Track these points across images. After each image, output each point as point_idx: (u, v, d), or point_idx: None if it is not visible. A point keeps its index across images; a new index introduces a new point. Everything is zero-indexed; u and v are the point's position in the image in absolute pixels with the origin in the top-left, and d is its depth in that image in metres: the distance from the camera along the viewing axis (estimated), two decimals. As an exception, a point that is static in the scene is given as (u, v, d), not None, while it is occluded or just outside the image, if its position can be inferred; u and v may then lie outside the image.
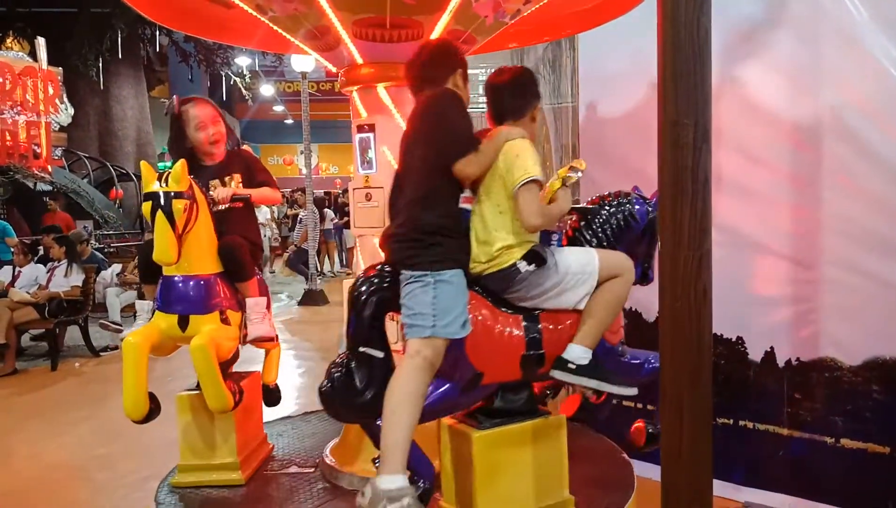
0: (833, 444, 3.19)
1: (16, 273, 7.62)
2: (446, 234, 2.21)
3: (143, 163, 2.86)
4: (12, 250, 8.39)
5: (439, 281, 2.14)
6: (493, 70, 2.59)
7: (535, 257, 2.26)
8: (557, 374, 2.34)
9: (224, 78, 20.43)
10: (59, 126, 12.64)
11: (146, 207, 2.65)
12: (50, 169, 12.46)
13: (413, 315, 2.13)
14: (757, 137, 3.33)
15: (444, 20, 2.65)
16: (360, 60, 2.80)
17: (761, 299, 3.37)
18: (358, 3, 2.57)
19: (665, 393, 2.28)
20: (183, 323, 2.78)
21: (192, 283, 2.80)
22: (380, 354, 2.20)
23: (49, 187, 13.19)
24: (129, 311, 7.96)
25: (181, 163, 2.69)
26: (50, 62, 12.17)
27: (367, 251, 2.93)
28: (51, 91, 12.09)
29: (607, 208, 2.61)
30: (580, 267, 2.33)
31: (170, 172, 2.67)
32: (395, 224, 2.31)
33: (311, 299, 10.43)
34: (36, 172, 12.26)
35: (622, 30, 3.26)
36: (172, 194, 2.64)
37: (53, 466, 4.41)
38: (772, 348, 3.36)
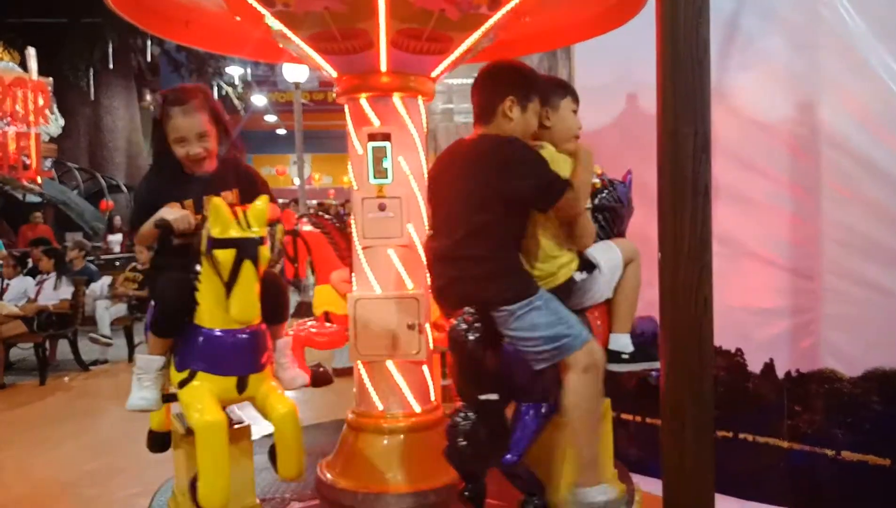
0: (833, 456, 3.16)
1: (4, 286, 7.54)
2: (521, 263, 2.30)
3: (215, 200, 2.19)
4: (0, 262, 8.31)
5: (545, 299, 2.21)
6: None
7: (588, 265, 2.38)
8: (615, 367, 2.41)
9: (216, 88, 20.40)
10: (49, 137, 12.56)
11: (226, 255, 2.14)
12: (40, 180, 12.37)
13: (551, 339, 2.16)
14: (754, 146, 3.32)
15: (381, 19, 2.51)
16: (384, 69, 2.76)
17: (760, 310, 3.35)
18: (409, 14, 2.51)
19: (666, 406, 2.25)
20: (241, 385, 2.34)
21: (247, 337, 2.32)
22: (495, 396, 2.20)
23: (38, 199, 13.11)
24: (118, 324, 7.88)
25: (265, 200, 2.26)
26: (40, 72, 12.11)
27: (377, 263, 2.85)
28: (41, 102, 12.02)
29: (604, 195, 2.64)
30: (613, 262, 2.45)
31: (248, 211, 2.21)
32: (458, 267, 2.25)
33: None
34: (25, 183, 12.18)
35: (619, 39, 3.25)
36: (258, 239, 2.20)
37: (43, 481, 4.34)
38: (771, 359, 3.33)
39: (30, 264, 8.32)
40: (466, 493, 2.33)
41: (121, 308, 7.89)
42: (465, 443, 2.12)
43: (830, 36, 3.10)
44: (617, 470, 2.77)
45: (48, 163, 13.15)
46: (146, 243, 2.49)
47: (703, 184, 2.15)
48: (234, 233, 2.15)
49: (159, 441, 2.78)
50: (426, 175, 2.81)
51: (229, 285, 2.16)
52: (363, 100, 2.83)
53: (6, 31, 15.13)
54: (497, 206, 2.20)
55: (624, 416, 3.75)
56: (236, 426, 2.46)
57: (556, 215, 2.26)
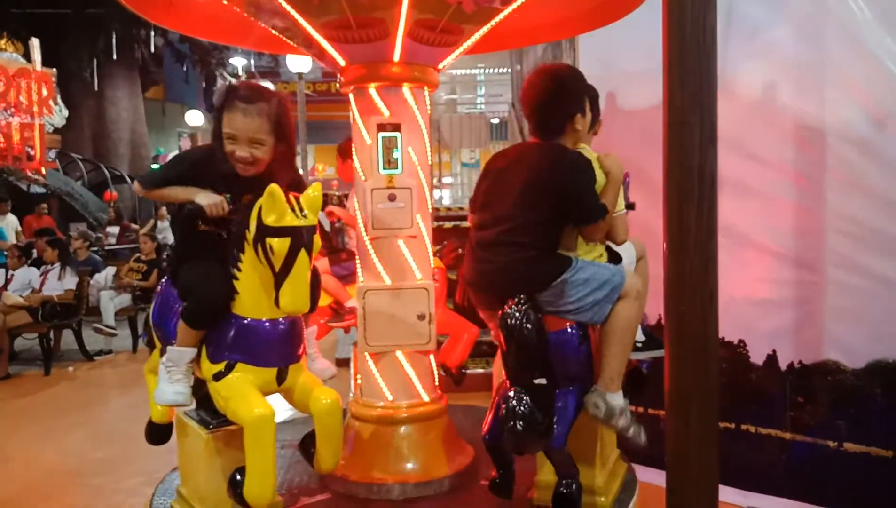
0: (836, 448, 3.17)
1: (8, 277, 7.56)
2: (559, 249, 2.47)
3: (272, 187, 2.08)
4: (5, 253, 8.32)
5: (581, 261, 2.40)
6: (490, 70, 2.60)
7: (614, 257, 2.60)
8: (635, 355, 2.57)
9: (220, 79, 20.36)
10: (52, 128, 12.56)
11: (281, 244, 2.06)
12: (44, 171, 12.39)
13: (602, 285, 2.35)
14: (759, 137, 3.31)
15: (403, 9, 2.49)
16: (396, 59, 2.74)
17: (763, 302, 3.35)
18: (428, 4, 2.50)
19: (671, 398, 2.25)
20: (281, 376, 2.27)
21: (287, 327, 2.26)
22: (544, 381, 2.26)
23: (43, 190, 13.12)
24: (122, 314, 7.90)
25: (318, 187, 2.18)
26: (44, 63, 12.10)
27: (384, 254, 2.84)
28: (45, 92, 12.00)
29: None
30: (630, 256, 2.74)
31: (301, 199, 2.13)
32: (506, 252, 2.37)
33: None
34: (30, 174, 12.19)
35: (624, 29, 3.23)
36: (312, 228, 2.13)
37: (48, 471, 4.36)
38: (774, 351, 3.33)
39: (34, 255, 8.32)
40: (498, 481, 2.43)
41: (125, 299, 7.90)
42: (522, 426, 2.18)
43: (837, 26, 3.09)
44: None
45: (52, 154, 13.16)
46: (158, 200, 2.46)
47: (710, 174, 2.14)
48: (290, 221, 2.07)
49: (161, 433, 2.74)
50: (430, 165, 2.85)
51: (282, 275, 2.08)
52: (372, 90, 2.81)
53: (10, 23, 15.13)
54: (547, 210, 2.36)
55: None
56: None
57: (582, 232, 2.46)
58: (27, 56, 12.11)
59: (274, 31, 2.85)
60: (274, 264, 2.08)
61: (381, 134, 2.77)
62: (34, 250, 8.58)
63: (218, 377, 2.22)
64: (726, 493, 3.21)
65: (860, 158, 3.07)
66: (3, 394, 6.28)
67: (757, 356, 3.37)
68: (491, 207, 2.47)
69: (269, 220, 2.07)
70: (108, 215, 14.15)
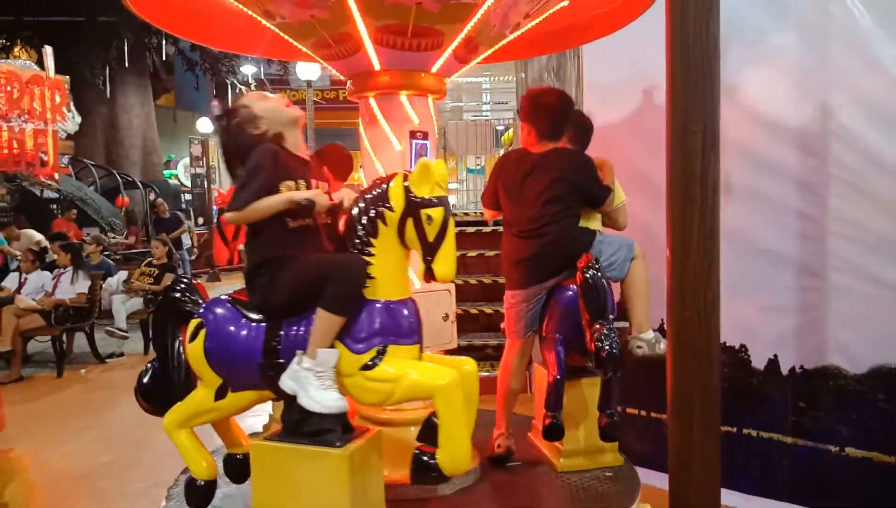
0: (838, 453, 3.18)
1: (22, 280, 7.64)
2: None
3: (423, 160, 2.14)
4: (17, 258, 8.40)
5: (604, 234, 2.98)
6: (495, 78, 2.67)
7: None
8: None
9: (230, 86, 20.50)
10: (65, 134, 12.67)
11: (438, 213, 2.10)
12: (57, 177, 12.50)
13: (621, 246, 2.87)
14: (763, 142, 3.34)
15: (357, 20, 2.55)
16: (377, 67, 2.79)
17: (765, 306, 3.37)
18: (382, 11, 2.55)
19: (674, 402, 2.28)
20: (420, 353, 2.27)
21: (415, 305, 2.27)
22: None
23: (56, 195, 13.23)
24: (134, 318, 7.97)
25: (442, 162, 2.22)
26: (57, 71, 12.22)
27: (413, 258, 2.90)
28: (58, 99, 12.12)
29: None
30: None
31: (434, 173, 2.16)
32: (545, 237, 2.86)
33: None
34: (43, 179, 12.30)
35: (627, 37, 3.27)
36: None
37: (58, 473, 4.40)
38: (776, 355, 3.35)
39: (48, 259, 8.40)
40: (555, 421, 2.77)
41: (137, 302, 7.97)
42: (618, 350, 2.57)
43: (840, 32, 3.12)
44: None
45: (65, 160, 13.25)
46: (254, 219, 2.22)
47: (712, 180, 2.18)
48: (440, 191, 2.13)
49: (208, 494, 2.41)
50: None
51: (436, 245, 2.11)
52: (402, 96, 2.86)
53: (23, 30, 15.29)
54: (572, 200, 2.90)
55: (630, 410, 3.78)
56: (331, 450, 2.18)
57: (602, 211, 3.07)
58: (40, 63, 12.23)
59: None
60: (428, 235, 2.12)
61: (414, 141, 2.83)
62: (48, 254, 8.66)
63: (370, 366, 2.15)
64: (729, 497, 3.24)
65: (863, 164, 3.09)
66: (16, 396, 6.33)
67: (759, 361, 3.39)
68: (525, 202, 2.91)
69: (424, 192, 2.12)
70: (119, 221, 14.23)
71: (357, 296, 2.16)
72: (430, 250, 2.12)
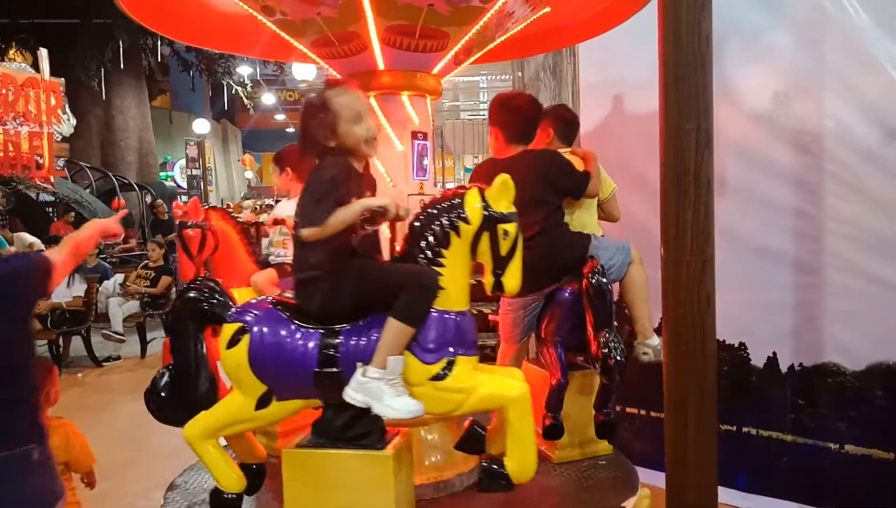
0: (837, 450, 3.18)
1: (18, 283, 7.62)
2: None
3: (504, 176, 2.13)
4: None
5: (599, 238, 2.96)
6: (492, 77, 2.66)
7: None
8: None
9: (226, 87, 20.49)
10: (61, 137, 12.66)
11: (513, 228, 2.14)
12: (52, 179, 12.49)
13: (618, 250, 2.86)
14: (759, 141, 3.34)
15: (370, 19, 2.53)
16: (381, 67, 2.77)
17: (764, 305, 3.37)
18: (395, 11, 2.54)
19: (670, 400, 2.28)
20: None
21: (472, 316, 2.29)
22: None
23: (52, 198, 13.21)
24: (130, 321, 7.97)
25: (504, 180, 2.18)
26: (52, 73, 12.21)
27: None
28: (53, 102, 12.11)
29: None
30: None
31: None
32: (540, 243, 2.77)
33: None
34: (38, 182, 12.29)
35: (622, 36, 3.27)
36: None
37: (56, 476, 4.40)
38: (774, 353, 3.35)
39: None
40: (556, 422, 2.76)
41: (133, 305, 7.97)
42: (624, 356, 2.59)
43: (835, 31, 3.12)
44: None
45: (60, 162, 13.25)
46: (332, 233, 2.12)
47: (706, 179, 2.18)
48: (513, 207, 2.15)
49: (251, 480, 2.33)
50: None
51: (507, 259, 2.14)
52: (404, 97, 2.84)
53: (19, 33, 15.27)
54: (553, 198, 2.88)
55: (629, 410, 3.78)
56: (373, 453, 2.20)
57: (588, 195, 3.02)
58: (36, 66, 12.23)
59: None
60: (501, 250, 2.13)
61: (416, 142, 2.83)
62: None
63: (441, 376, 2.15)
64: (729, 495, 3.24)
65: (859, 162, 3.09)
66: (12, 400, 6.33)
67: (758, 359, 3.39)
68: None
69: (502, 207, 2.13)
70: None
71: (430, 307, 2.16)
72: (500, 264, 2.14)
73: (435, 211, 2.20)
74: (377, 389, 2.08)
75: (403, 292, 2.10)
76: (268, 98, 25.09)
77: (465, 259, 2.18)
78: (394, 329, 2.10)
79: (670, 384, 2.26)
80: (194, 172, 17.80)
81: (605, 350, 2.56)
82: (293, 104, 26.74)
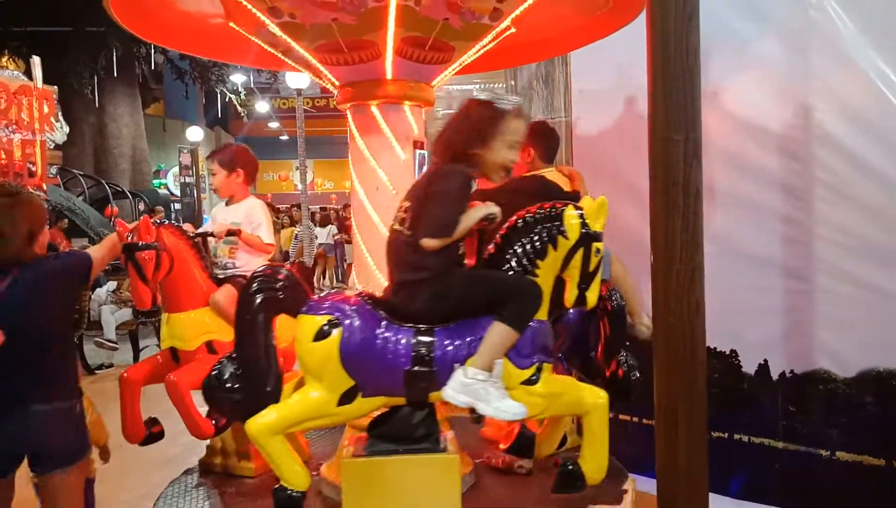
0: (828, 457, 3.19)
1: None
2: None
3: (602, 198, 2.25)
4: None
5: None
6: (486, 85, 2.67)
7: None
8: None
9: (219, 95, 20.48)
10: (54, 144, 12.60)
11: (602, 247, 2.25)
12: (45, 187, 12.44)
13: None
14: (747, 148, 3.36)
15: (390, 30, 2.54)
16: (389, 77, 2.80)
17: (754, 312, 3.39)
18: (414, 22, 2.56)
19: (660, 408, 2.28)
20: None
21: None
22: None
23: (45, 206, 13.15)
24: (123, 328, 7.92)
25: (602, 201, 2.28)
26: (45, 80, 12.16)
27: None
28: (46, 109, 12.06)
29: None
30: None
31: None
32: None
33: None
34: (31, 190, 12.25)
35: (613, 46, 3.30)
36: None
37: (47, 486, 4.37)
38: (765, 360, 3.37)
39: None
40: (528, 444, 2.68)
41: (126, 313, 7.93)
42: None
43: (821, 39, 3.15)
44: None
45: (53, 170, 13.16)
46: (458, 238, 2.23)
47: (695, 189, 2.19)
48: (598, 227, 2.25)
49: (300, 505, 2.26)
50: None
51: (593, 275, 2.24)
52: (406, 107, 2.88)
53: (11, 40, 15.22)
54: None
55: (622, 417, 3.79)
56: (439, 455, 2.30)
57: None
58: (28, 74, 12.20)
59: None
60: (591, 266, 2.23)
61: (417, 151, 2.87)
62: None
63: (533, 381, 2.24)
64: (720, 502, 3.25)
65: (847, 169, 3.12)
66: (3, 409, 6.29)
67: (749, 366, 3.41)
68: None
69: (597, 226, 2.24)
70: (108, 231, 14.18)
71: (534, 315, 2.25)
72: (587, 279, 2.24)
73: (531, 222, 2.26)
74: (483, 390, 2.13)
75: (512, 298, 2.19)
76: (262, 106, 25.11)
77: (555, 271, 2.26)
78: (501, 333, 2.17)
79: (660, 392, 2.26)
80: (188, 179, 17.75)
81: (625, 369, 2.62)
82: (287, 112, 26.73)
